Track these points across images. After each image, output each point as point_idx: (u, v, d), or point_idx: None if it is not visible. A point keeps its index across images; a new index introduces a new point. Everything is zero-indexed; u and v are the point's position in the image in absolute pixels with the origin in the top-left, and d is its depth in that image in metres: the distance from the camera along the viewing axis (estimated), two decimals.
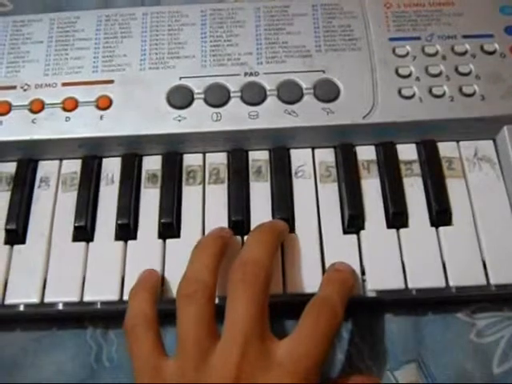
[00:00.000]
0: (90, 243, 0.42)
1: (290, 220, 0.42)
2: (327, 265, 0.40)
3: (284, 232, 0.41)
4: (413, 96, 0.44)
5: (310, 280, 0.40)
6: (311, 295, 0.37)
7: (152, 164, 0.45)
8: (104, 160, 0.45)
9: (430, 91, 0.44)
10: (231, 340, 0.34)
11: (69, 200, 0.43)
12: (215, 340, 0.35)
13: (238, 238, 0.41)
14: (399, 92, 0.44)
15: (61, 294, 0.40)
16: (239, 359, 0.33)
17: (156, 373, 0.35)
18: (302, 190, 0.43)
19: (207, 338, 0.35)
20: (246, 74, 0.45)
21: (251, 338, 0.34)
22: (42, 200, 0.44)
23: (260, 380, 0.33)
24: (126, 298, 0.40)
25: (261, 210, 0.42)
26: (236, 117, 0.44)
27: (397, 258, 0.40)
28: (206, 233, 0.42)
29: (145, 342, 0.36)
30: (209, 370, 0.34)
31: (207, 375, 0.33)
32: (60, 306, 0.41)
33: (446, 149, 0.44)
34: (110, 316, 0.42)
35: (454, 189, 0.43)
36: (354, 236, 0.41)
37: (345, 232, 0.42)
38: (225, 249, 0.39)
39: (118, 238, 0.42)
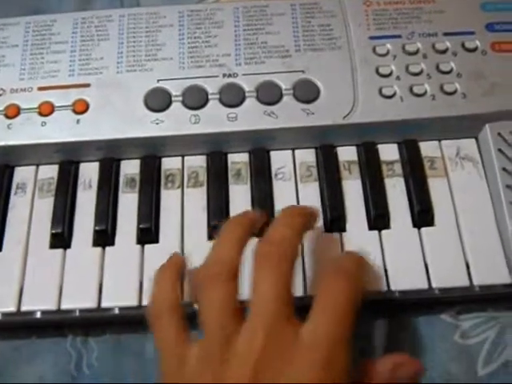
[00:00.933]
0: (68, 250, 0.41)
1: (269, 223, 0.41)
2: (307, 266, 0.40)
3: (314, 217, 0.39)
4: (394, 95, 0.44)
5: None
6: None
7: (130, 168, 0.44)
8: (81, 165, 0.45)
9: (411, 90, 0.44)
10: (256, 323, 0.33)
11: (46, 206, 0.43)
12: (240, 323, 0.33)
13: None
14: (380, 91, 0.44)
15: (38, 303, 0.40)
16: (263, 343, 0.32)
17: (181, 361, 0.34)
18: (283, 193, 0.43)
19: (232, 322, 0.33)
20: (224, 75, 0.45)
21: (276, 320, 0.33)
22: (18, 207, 0.43)
23: (287, 362, 0.32)
24: (104, 305, 0.39)
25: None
26: (215, 119, 0.43)
27: (379, 259, 0.40)
28: (185, 238, 0.41)
29: (169, 329, 0.35)
30: (233, 356, 0.32)
31: (231, 361, 0.32)
32: (38, 315, 0.40)
33: (427, 148, 0.44)
34: (89, 323, 0.41)
35: (437, 189, 0.42)
36: (337, 234, 0.41)
37: (326, 231, 0.41)
38: (250, 231, 0.37)
39: (95, 244, 0.41)
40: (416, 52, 0.45)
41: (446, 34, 0.46)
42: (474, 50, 0.45)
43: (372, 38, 0.46)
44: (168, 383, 0.34)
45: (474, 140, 0.44)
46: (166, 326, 0.35)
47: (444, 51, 0.45)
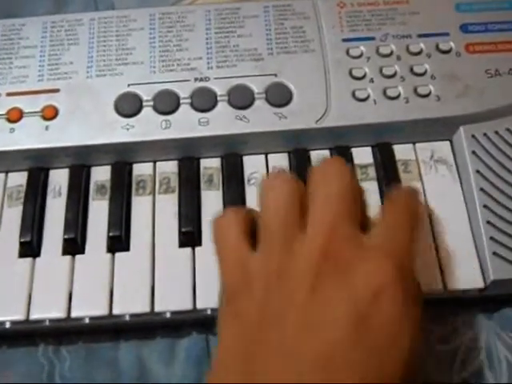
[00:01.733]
0: (37, 259, 0.41)
1: None
2: None
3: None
4: (367, 98, 0.43)
5: None
6: None
7: (101, 175, 0.43)
8: (51, 172, 0.44)
9: (385, 93, 0.43)
10: (318, 220, 0.32)
11: (15, 214, 0.42)
12: (302, 226, 0.32)
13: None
14: (353, 94, 0.43)
15: (6, 313, 0.39)
16: (327, 240, 0.31)
17: (241, 264, 0.33)
18: (255, 198, 0.41)
19: (293, 222, 0.33)
20: (196, 79, 0.44)
21: (340, 218, 0.32)
22: None
23: (352, 262, 0.30)
24: (74, 314, 0.39)
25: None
26: (186, 124, 0.43)
27: None
28: (156, 245, 0.41)
29: (230, 233, 0.34)
30: (294, 254, 0.31)
31: (292, 260, 0.31)
32: (7, 325, 0.39)
33: (401, 151, 0.43)
34: (61, 332, 0.41)
35: None
36: None
37: None
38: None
39: (65, 252, 0.41)
40: (390, 54, 0.45)
41: (420, 36, 0.45)
42: (449, 51, 0.45)
43: (345, 40, 0.45)
44: (228, 295, 0.33)
45: (448, 142, 0.44)
46: (227, 231, 0.34)
47: (418, 53, 0.45)
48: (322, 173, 0.35)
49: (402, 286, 0.30)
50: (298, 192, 0.34)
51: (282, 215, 0.33)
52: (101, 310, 0.39)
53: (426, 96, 0.43)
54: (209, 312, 0.38)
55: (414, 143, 0.44)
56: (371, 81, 0.44)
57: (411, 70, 0.44)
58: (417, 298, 0.31)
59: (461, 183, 0.42)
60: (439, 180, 0.42)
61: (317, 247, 0.31)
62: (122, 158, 0.43)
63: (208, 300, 0.38)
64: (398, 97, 0.43)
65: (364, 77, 0.44)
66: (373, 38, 0.45)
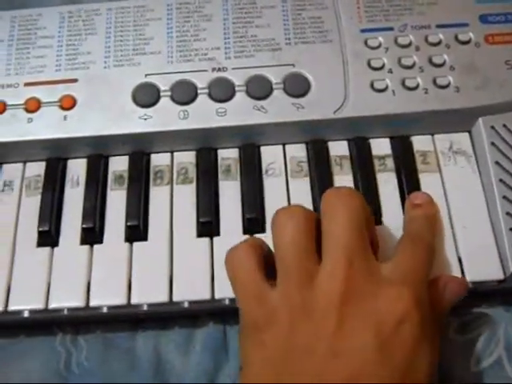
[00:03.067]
0: (55, 248, 0.41)
1: (259, 220, 0.40)
2: None
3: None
4: (385, 89, 0.43)
5: None
6: None
7: (118, 165, 0.43)
8: (69, 162, 0.44)
9: (403, 83, 0.43)
10: (334, 256, 0.33)
11: (33, 204, 0.42)
12: (317, 260, 0.33)
13: None
14: (371, 85, 0.43)
15: (26, 302, 0.39)
16: (345, 274, 0.32)
17: (261, 299, 0.33)
18: (273, 189, 0.42)
19: (309, 258, 0.33)
20: (213, 69, 0.44)
21: (355, 252, 0.33)
22: (5, 204, 0.42)
23: (372, 293, 0.32)
24: (92, 303, 0.39)
25: (230, 209, 0.41)
26: (204, 114, 0.43)
27: None
28: (174, 235, 0.41)
29: (245, 266, 0.35)
30: (315, 290, 0.32)
31: (314, 295, 0.32)
32: (26, 314, 0.39)
33: (420, 142, 0.43)
34: (79, 321, 0.41)
35: (429, 184, 0.42)
36: None
37: None
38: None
39: (83, 242, 0.41)
40: (408, 45, 0.44)
41: (439, 26, 0.45)
42: (468, 42, 0.44)
43: (364, 30, 0.45)
44: (249, 324, 0.34)
45: (467, 134, 0.43)
46: (244, 269, 0.35)
47: (437, 44, 0.44)
48: (333, 203, 0.35)
49: (421, 314, 0.32)
50: (312, 223, 0.35)
51: (297, 249, 0.34)
52: (119, 300, 0.39)
53: (445, 87, 0.43)
54: (227, 302, 0.38)
55: (432, 134, 0.44)
56: (390, 71, 0.43)
57: (430, 60, 0.44)
58: (433, 322, 0.34)
59: (480, 174, 0.42)
60: (458, 171, 0.42)
61: (337, 284, 0.32)
62: (140, 149, 0.44)
63: (226, 290, 0.37)
64: (416, 87, 0.43)
65: (382, 67, 0.44)
66: (391, 29, 0.45)
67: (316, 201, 0.41)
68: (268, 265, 0.35)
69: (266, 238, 0.40)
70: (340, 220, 0.34)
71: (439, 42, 0.44)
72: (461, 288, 0.37)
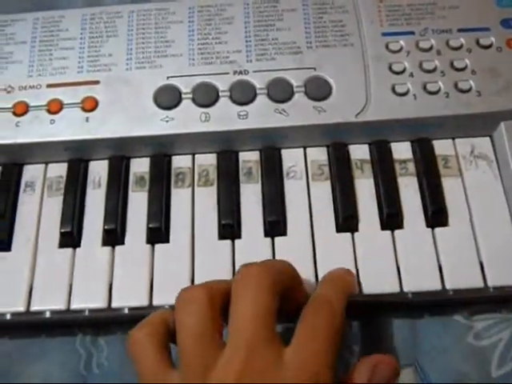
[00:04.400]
0: (77, 249, 0.41)
1: (280, 222, 0.41)
2: (320, 266, 0.39)
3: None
4: (407, 93, 0.43)
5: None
6: None
7: (140, 166, 0.44)
8: (91, 163, 0.44)
9: (425, 87, 0.43)
10: (234, 348, 0.32)
11: (55, 205, 0.42)
12: (219, 349, 0.32)
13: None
14: (393, 89, 0.43)
15: (47, 302, 0.39)
16: (241, 369, 0.31)
17: None
18: (294, 192, 0.42)
19: (208, 346, 0.32)
20: (235, 72, 0.44)
21: (256, 343, 0.32)
22: (27, 205, 0.43)
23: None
24: (114, 305, 0.39)
25: (252, 212, 0.41)
26: (225, 117, 0.43)
27: (391, 260, 0.39)
28: (196, 238, 0.41)
29: (146, 352, 0.34)
30: (212, 379, 0.31)
31: None
32: (47, 314, 0.39)
33: (441, 146, 0.43)
34: (99, 322, 0.41)
35: (451, 188, 0.42)
36: (348, 235, 0.40)
37: (338, 231, 0.41)
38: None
39: (105, 243, 0.41)
40: (430, 49, 0.44)
41: (460, 31, 0.45)
42: (489, 46, 0.44)
43: (385, 34, 0.45)
44: None
45: (488, 138, 0.43)
46: (143, 357, 0.34)
47: (458, 48, 0.44)
48: (241, 286, 0.34)
49: None
50: (217, 304, 0.33)
51: (197, 335, 0.33)
52: (140, 301, 0.39)
53: (467, 91, 0.43)
54: None
55: (453, 138, 0.43)
56: (411, 75, 0.43)
57: (451, 64, 0.44)
58: None
59: (501, 179, 0.42)
60: (480, 176, 0.42)
61: (232, 373, 0.31)
62: (161, 151, 0.44)
63: None
64: (438, 92, 0.43)
65: (404, 71, 0.44)
66: (412, 33, 0.45)
67: (336, 204, 0.41)
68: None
69: (287, 240, 0.40)
70: (244, 307, 0.33)
71: (460, 46, 0.44)
72: (392, 371, 0.34)
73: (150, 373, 0.33)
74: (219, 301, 0.34)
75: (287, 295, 0.35)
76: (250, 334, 0.32)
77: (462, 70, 0.43)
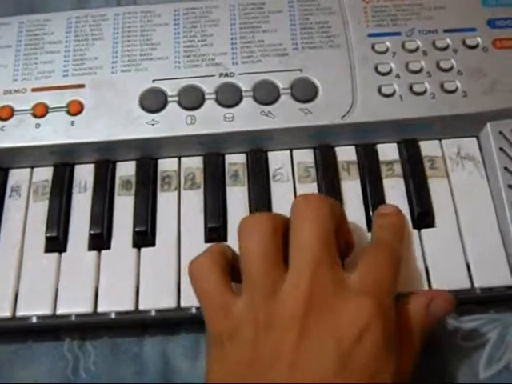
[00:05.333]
0: (63, 254, 0.41)
1: None
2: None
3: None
4: (393, 94, 0.43)
5: None
6: None
7: (126, 170, 0.43)
8: (76, 167, 0.44)
9: (411, 88, 0.43)
10: (299, 267, 0.33)
11: (41, 209, 0.42)
12: (283, 270, 0.33)
13: None
14: (379, 90, 0.43)
15: (33, 308, 0.39)
16: (309, 285, 0.32)
17: (225, 311, 0.33)
18: (281, 194, 0.42)
19: (274, 268, 0.33)
20: (221, 74, 0.44)
21: (320, 263, 0.33)
22: (12, 210, 0.42)
23: (335, 304, 0.32)
24: (100, 309, 0.39)
25: (238, 215, 0.41)
26: (211, 120, 0.43)
27: None
28: (182, 241, 0.41)
29: (210, 279, 0.34)
30: (279, 302, 0.32)
31: (277, 307, 0.32)
32: (34, 320, 0.39)
33: (428, 148, 0.43)
34: (86, 327, 0.41)
35: (437, 189, 0.42)
36: None
37: None
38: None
39: (91, 247, 0.41)
40: (416, 49, 0.44)
41: (446, 31, 0.45)
42: (475, 46, 0.44)
43: (371, 35, 0.45)
44: (214, 337, 0.33)
45: (475, 139, 0.43)
46: (208, 280, 0.34)
47: (444, 48, 0.44)
48: (301, 213, 0.35)
49: (383, 324, 0.32)
50: (279, 232, 0.34)
51: (262, 260, 0.33)
52: (127, 305, 0.39)
53: (453, 92, 0.43)
54: None
55: (440, 139, 0.43)
56: (397, 76, 0.43)
57: (438, 65, 0.44)
58: (406, 334, 0.34)
59: (488, 180, 0.42)
60: (466, 177, 0.42)
61: (300, 294, 0.32)
62: (147, 154, 0.44)
63: None
64: (424, 92, 0.43)
65: (390, 72, 0.44)
66: (399, 33, 0.45)
67: None
68: (234, 269, 0.35)
69: None
70: (306, 231, 0.34)
71: (447, 47, 0.44)
72: (447, 304, 0.36)
73: (213, 296, 0.34)
74: (281, 228, 0.35)
75: (337, 230, 0.36)
76: (312, 254, 0.33)
77: (448, 70, 0.43)
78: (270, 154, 0.44)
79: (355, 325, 0.31)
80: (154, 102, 0.43)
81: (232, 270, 0.35)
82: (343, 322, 0.32)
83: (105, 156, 0.44)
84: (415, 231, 0.40)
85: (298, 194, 0.42)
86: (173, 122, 0.43)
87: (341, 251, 0.36)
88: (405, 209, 0.41)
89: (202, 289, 0.35)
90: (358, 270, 0.34)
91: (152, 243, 0.41)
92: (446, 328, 0.40)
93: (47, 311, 0.39)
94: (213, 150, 0.43)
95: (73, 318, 0.39)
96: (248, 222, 0.35)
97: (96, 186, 0.43)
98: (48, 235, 0.41)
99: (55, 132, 0.43)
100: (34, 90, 0.44)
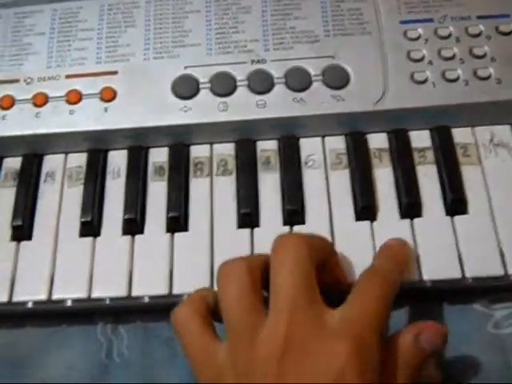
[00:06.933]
0: (97, 238, 0.41)
1: (299, 211, 0.41)
2: (339, 253, 0.39)
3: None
4: (425, 81, 0.43)
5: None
6: None
7: (159, 156, 0.44)
8: (110, 153, 0.44)
9: (444, 75, 0.43)
10: (277, 309, 0.33)
11: (75, 195, 0.43)
12: (262, 313, 0.33)
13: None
14: (411, 77, 0.43)
15: (69, 291, 0.40)
16: (287, 328, 0.32)
17: (208, 361, 0.34)
18: (312, 180, 0.42)
19: (252, 313, 0.33)
20: (252, 61, 0.44)
21: (298, 303, 0.33)
22: (47, 195, 0.43)
23: (312, 348, 0.32)
24: (134, 293, 0.39)
25: (270, 201, 0.42)
26: (243, 106, 0.43)
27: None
28: (215, 226, 0.41)
29: (192, 332, 0.35)
30: (258, 346, 0.32)
31: (256, 353, 0.32)
32: (69, 303, 0.40)
33: (460, 135, 0.43)
34: (120, 311, 0.41)
35: (470, 176, 0.41)
36: (367, 224, 0.40)
37: (357, 220, 0.41)
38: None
39: (125, 232, 0.41)
40: (448, 36, 0.44)
41: (479, 18, 0.45)
42: (509, 33, 0.44)
43: (403, 22, 0.45)
44: (203, 381, 0.34)
45: (508, 126, 0.43)
46: (190, 332, 0.35)
47: (477, 35, 0.44)
48: (279, 254, 0.34)
49: (360, 364, 0.31)
50: (256, 275, 0.34)
51: (240, 306, 0.33)
52: (160, 289, 0.39)
53: (486, 79, 0.42)
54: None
55: (472, 127, 0.43)
56: (430, 63, 0.43)
57: (470, 52, 0.43)
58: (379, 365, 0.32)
59: None
60: (499, 164, 0.42)
61: (277, 336, 0.32)
62: (180, 140, 0.44)
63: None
64: (457, 79, 0.43)
65: (422, 59, 0.43)
66: (431, 20, 0.45)
67: (355, 193, 0.41)
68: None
69: (306, 228, 0.40)
70: (283, 273, 0.33)
71: (480, 33, 0.44)
72: (437, 337, 0.34)
73: (197, 347, 0.34)
74: (258, 271, 0.35)
75: (323, 267, 0.35)
76: (289, 297, 0.33)
77: (482, 57, 0.43)
78: (302, 141, 0.44)
79: (331, 369, 0.31)
80: (186, 88, 0.44)
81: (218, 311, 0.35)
82: (320, 367, 0.31)
83: (137, 142, 0.44)
84: (448, 218, 0.40)
85: (329, 180, 0.42)
86: (205, 109, 0.43)
87: (329, 287, 0.35)
88: (437, 196, 0.41)
89: (184, 342, 0.35)
90: (345, 303, 0.34)
91: (185, 228, 0.41)
92: (478, 316, 0.40)
93: (82, 294, 0.40)
94: (245, 137, 0.44)
95: (107, 302, 0.40)
96: (224, 270, 0.35)
97: (129, 171, 0.43)
98: (83, 220, 0.42)
99: (89, 118, 0.43)
100: (67, 76, 0.45)
